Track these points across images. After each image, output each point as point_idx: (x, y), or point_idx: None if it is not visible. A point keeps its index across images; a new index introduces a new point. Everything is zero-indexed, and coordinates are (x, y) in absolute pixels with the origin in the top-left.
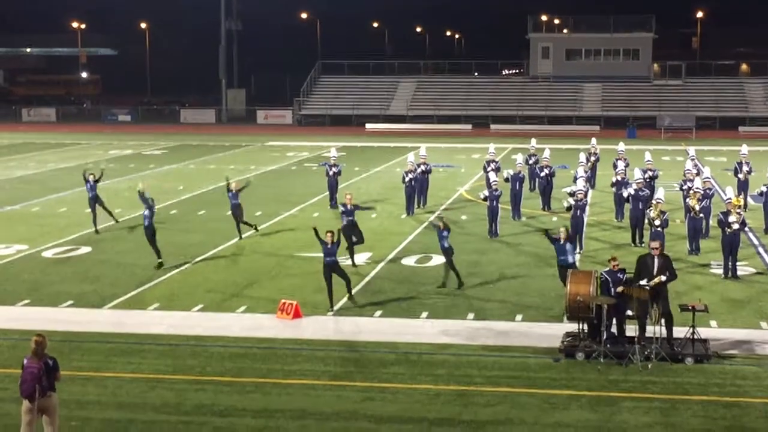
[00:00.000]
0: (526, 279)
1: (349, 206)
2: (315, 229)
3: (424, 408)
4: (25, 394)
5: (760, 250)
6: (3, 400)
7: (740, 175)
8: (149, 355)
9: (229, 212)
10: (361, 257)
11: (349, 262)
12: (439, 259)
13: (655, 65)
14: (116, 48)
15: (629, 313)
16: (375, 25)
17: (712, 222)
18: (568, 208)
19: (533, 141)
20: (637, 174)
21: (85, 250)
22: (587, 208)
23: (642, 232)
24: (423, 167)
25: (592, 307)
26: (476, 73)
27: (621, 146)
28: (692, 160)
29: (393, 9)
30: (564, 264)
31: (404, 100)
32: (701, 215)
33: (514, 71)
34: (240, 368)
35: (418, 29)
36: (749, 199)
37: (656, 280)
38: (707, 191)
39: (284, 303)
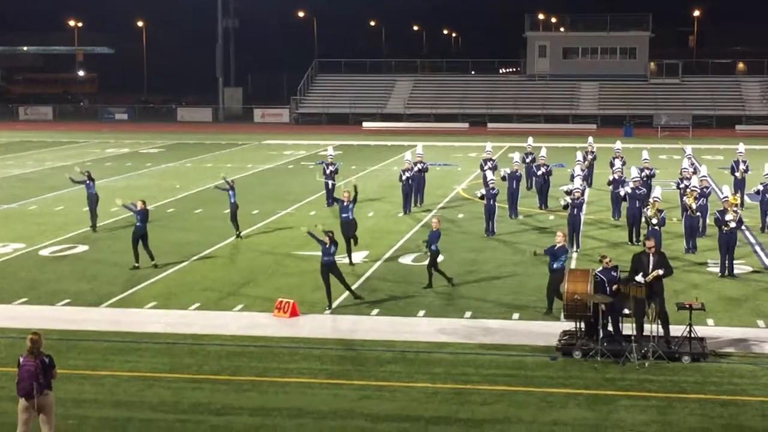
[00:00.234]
0: (523, 277)
1: (346, 203)
2: (310, 232)
3: (421, 406)
4: (22, 393)
5: (757, 248)
6: (0, 399)
7: (737, 174)
8: (146, 354)
9: (227, 210)
10: (358, 256)
11: (347, 260)
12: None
13: (652, 64)
14: (113, 46)
15: (626, 311)
16: (372, 23)
17: (709, 220)
18: (565, 207)
19: (530, 139)
20: (634, 172)
21: (82, 248)
22: (584, 207)
23: (639, 230)
24: (420, 165)
25: (590, 306)
26: (473, 72)
27: (618, 145)
28: (689, 158)
29: (390, 7)
30: (551, 268)
31: (401, 99)
32: (698, 214)
33: (511, 70)
34: (237, 367)
35: (415, 28)
36: (746, 197)
37: (653, 273)
38: (704, 190)
39: (281, 301)
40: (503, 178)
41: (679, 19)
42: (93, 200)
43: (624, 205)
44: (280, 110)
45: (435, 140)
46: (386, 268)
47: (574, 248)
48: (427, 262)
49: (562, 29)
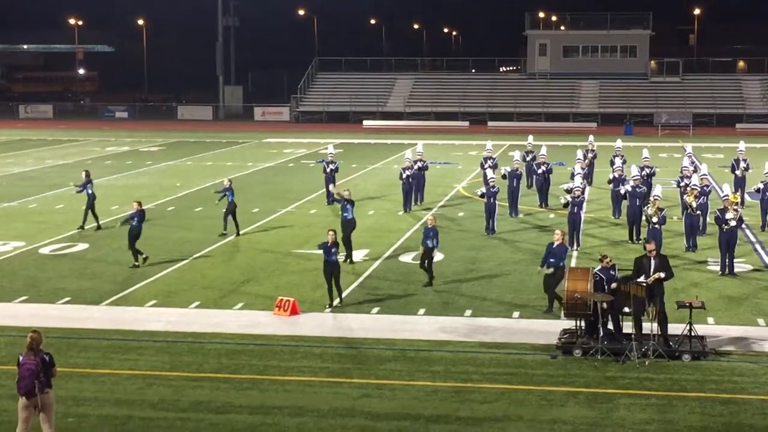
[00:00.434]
0: (523, 276)
1: (345, 202)
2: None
3: (422, 405)
4: (23, 392)
5: (757, 247)
6: (0, 397)
7: (737, 172)
8: (146, 352)
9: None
10: (359, 254)
11: (347, 260)
12: (437, 256)
13: (653, 62)
14: (113, 45)
15: (626, 310)
16: (372, 21)
17: (709, 219)
18: (566, 205)
19: (530, 138)
20: (634, 171)
21: (82, 246)
22: (584, 205)
23: (639, 228)
24: (419, 164)
25: (590, 304)
26: (473, 70)
27: (618, 143)
28: (689, 157)
29: (390, 6)
30: (551, 266)
31: (401, 97)
32: (698, 212)
33: (511, 68)
34: (237, 365)
35: (416, 26)
36: (746, 196)
37: (654, 276)
38: (704, 188)
39: (281, 300)
40: (504, 177)
41: (680, 18)
42: (90, 199)
43: (624, 203)
44: (281, 108)
45: (435, 138)
46: (386, 266)
47: (575, 246)
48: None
49: (562, 27)
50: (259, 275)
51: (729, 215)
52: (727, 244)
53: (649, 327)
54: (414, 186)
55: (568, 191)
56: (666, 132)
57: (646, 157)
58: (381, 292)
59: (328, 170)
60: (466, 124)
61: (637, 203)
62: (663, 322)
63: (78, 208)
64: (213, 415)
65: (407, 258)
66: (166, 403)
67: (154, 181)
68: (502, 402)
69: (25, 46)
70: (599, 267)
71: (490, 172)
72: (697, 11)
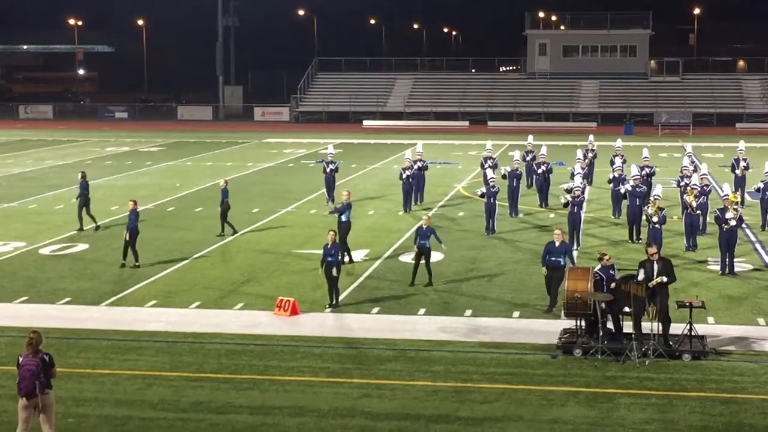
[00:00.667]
0: (523, 276)
1: (345, 202)
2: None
3: (422, 405)
4: (24, 392)
5: (758, 246)
6: (0, 398)
7: (737, 172)
8: (146, 352)
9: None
10: (359, 254)
11: (351, 259)
12: (437, 257)
13: (652, 62)
14: (113, 45)
15: (626, 309)
16: (372, 21)
17: (709, 218)
18: (566, 205)
19: (530, 138)
20: (634, 170)
21: (82, 247)
22: (584, 205)
23: (639, 228)
24: (419, 164)
25: (590, 304)
26: (473, 70)
27: (618, 143)
28: (689, 156)
29: (390, 5)
30: (555, 265)
31: (401, 97)
32: (698, 212)
33: (511, 68)
34: (237, 365)
35: (415, 26)
36: (746, 195)
37: (657, 280)
38: (704, 188)
39: (282, 300)
40: (504, 177)
41: (680, 17)
42: (83, 200)
43: (624, 203)
44: (280, 108)
45: (435, 138)
46: (386, 266)
47: (575, 246)
48: (422, 260)
49: (562, 27)
50: (259, 275)
51: (729, 215)
52: (727, 243)
53: (650, 326)
54: (414, 186)
55: (568, 191)
56: (666, 131)
57: (646, 157)
58: (381, 292)
59: (327, 170)
60: (466, 124)
61: (637, 203)
62: (665, 322)
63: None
64: (213, 415)
65: (407, 258)
66: (166, 403)
67: (153, 181)
68: (502, 402)
69: (25, 47)
70: (599, 266)
71: (490, 172)
72: (696, 11)
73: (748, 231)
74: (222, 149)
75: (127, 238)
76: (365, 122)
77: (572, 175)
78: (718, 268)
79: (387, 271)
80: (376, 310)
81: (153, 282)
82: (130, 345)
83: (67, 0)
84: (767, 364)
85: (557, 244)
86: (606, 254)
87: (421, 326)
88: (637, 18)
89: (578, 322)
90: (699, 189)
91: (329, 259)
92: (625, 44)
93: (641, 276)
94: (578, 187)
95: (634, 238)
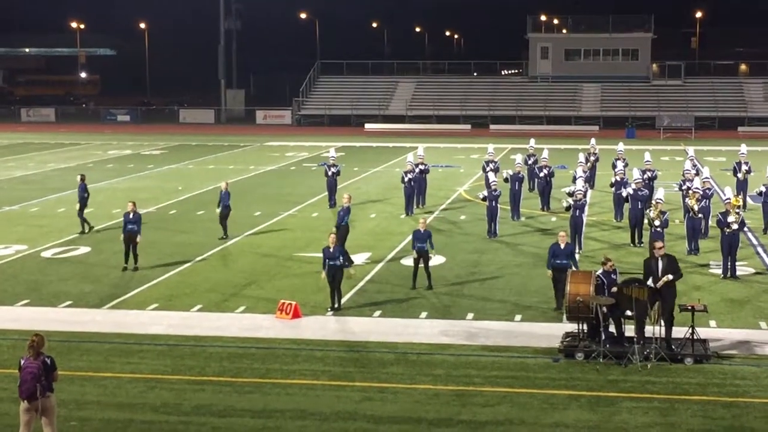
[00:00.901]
0: (525, 279)
1: (345, 206)
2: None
3: (423, 408)
4: (25, 395)
5: (759, 250)
6: (2, 400)
7: (739, 175)
8: (148, 356)
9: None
10: (361, 257)
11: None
12: (438, 260)
13: (654, 65)
14: (115, 48)
15: (628, 313)
16: (374, 25)
17: (711, 222)
18: (567, 208)
19: (532, 141)
20: (636, 174)
21: (84, 250)
22: (586, 208)
23: (641, 232)
24: (421, 167)
25: (592, 308)
26: (475, 73)
27: (620, 146)
28: (691, 160)
29: (392, 9)
30: (560, 267)
31: (403, 100)
32: (700, 215)
33: (513, 71)
34: (239, 368)
35: (417, 29)
36: (748, 199)
37: (664, 279)
38: (706, 191)
39: (283, 303)
40: (505, 180)
41: (682, 21)
42: (82, 203)
43: (626, 206)
44: (282, 112)
45: (437, 142)
46: (388, 269)
47: (577, 250)
48: (421, 264)
49: (564, 30)
50: (260, 278)
51: (731, 218)
52: (729, 247)
53: (651, 330)
54: (416, 189)
55: (570, 194)
56: (668, 135)
57: (647, 161)
58: (383, 295)
59: (329, 174)
60: (468, 127)
61: (639, 206)
62: (669, 325)
63: None
64: (215, 418)
65: (409, 261)
66: (168, 406)
67: (155, 184)
68: (504, 405)
69: (27, 50)
70: (601, 270)
71: (491, 176)
72: (698, 14)
73: (750, 234)
74: (224, 152)
75: (122, 239)
76: (367, 125)
77: (574, 179)
78: (720, 271)
79: (389, 275)
80: (377, 313)
81: (155, 285)
82: (132, 348)
83: (70, 3)
84: None
85: (562, 246)
86: (610, 260)
87: (422, 329)
88: (639, 21)
89: (580, 325)
90: (701, 192)
91: (331, 262)
92: (627, 48)
93: (650, 282)
94: (580, 190)
95: (636, 241)
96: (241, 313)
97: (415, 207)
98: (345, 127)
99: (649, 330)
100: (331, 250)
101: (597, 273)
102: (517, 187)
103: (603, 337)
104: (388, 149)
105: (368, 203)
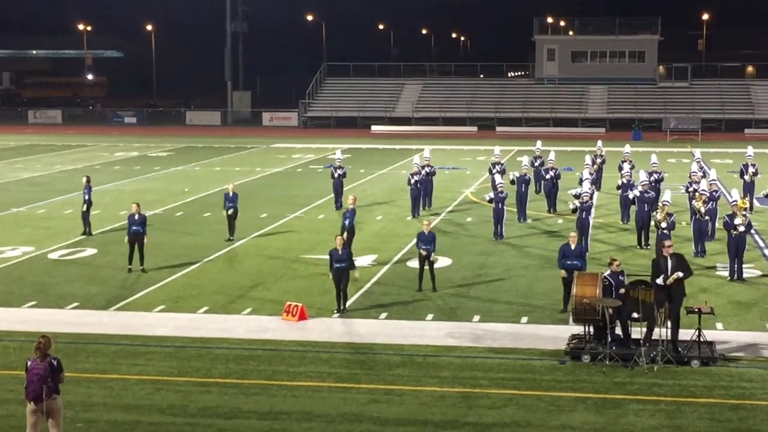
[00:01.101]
0: (531, 281)
1: (351, 208)
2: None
3: (429, 410)
4: (31, 396)
5: (766, 252)
6: (9, 402)
7: (746, 177)
8: (155, 357)
9: (231, 212)
10: (367, 259)
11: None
12: (445, 262)
13: (661, 67)
14: (122, 50)
15: (635, 315)
16: (381, 27)
17: (718, 224)
18: (574, 210)
19: (538, 143)
20: (643, 176)
21: (90, 252)
22: (593, 210)
23: (648, 234)
24: (427, 169)
25: (599, 310)
26: (482, 76)
27: (627, 148)
28: (698, 162)
29: (399, 11)
30: (572, 268)
31: (410, 102)
32: (707, 217)
33: (519, 73)
34: (245, 370)
35: (424, 31)
36: (755, 201)
37: (674, 276)
38: (713, 193)
39: (290, 305)
40: (512, 182)
41: (688, 23)
42: (87, 205)
43: (633, 208)
44: (289, 114)
45: (443, 144)
46: (394, 271)
47: None
48: (426, 266)
49: (570, 33)
50: (267, 280)
51: (738, 220)
52: (736, 249)
53: (658, 332)
54: (422, 191)
55: (577, 196)
56: (675, 137)
57: (654, 163)
58: (389, 297)
59: (336, 175)
60: (475, 129)
61: (646, 208)
62: (675, 326)
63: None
64: (221, 420)
65: (415, 263)
66: (174, 408)
67: (162, 186)
68: (510, 408)
69: (34, 52)
70: (608, 271)
71: (498, 178)
72: (705, 16)
73: (756, 237)
74: (230, 154)
75: (126, 240)
76: (373, 127)
77: (580, 181)
78: (726, 274)
79: (395, 277)
80: (383, 315)
81: (161, 287)
82: (139, 350)
83: (76, 5)
84: None
85: (573, 247)
86: (616, 260)
87: (428, 332)
88: (646, 23)
89: (587, 327)
90: (707, 195)
91: (338, 264)
92: (633, 50)
93: (660, 280)
94: (586, 192)
95: (643, 243)
96: (248, 315)
97: (421, 209)
98: (351, 129)
99: (656, 332)
100: (340, 252)
101: (604, 274)
102: (523, 189)
103: (609, 339)
104: (394, 151)
105: (374, 205)
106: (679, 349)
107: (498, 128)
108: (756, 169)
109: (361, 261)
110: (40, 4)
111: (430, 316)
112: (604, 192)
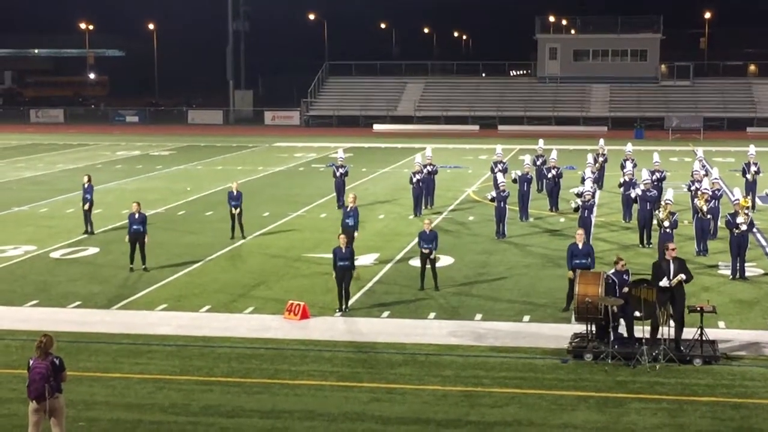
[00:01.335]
0: (533, 280)
1: (349, 208)
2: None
3: (432, 409)
4: (33, 395)
5: None
6: (11, 401)
7: (748, 176)
8: (157, 356)
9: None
10: (369, 258)
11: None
12: (447, 260)
13: (663, 66)
14: (124, 49)
15: (637, 314)
16: (383, 26)
17: (720, 223)
18: (576, 209)
19: (541, 142)
20: (645, 175)
21: (92, 250)
22: (595, 209)
23: (650, 233)
24: (429, 168)
25: (601, 309)
26: (484, 74)
27: (629, 147)
28: (700, 160)
29: (400, 10)
30: (581, 267)
31: (412, 101)
32: (709, 216)
33: (521, 72)
34: (247, 369)
35: (426, 30)
36: (757, 199)
37: (678, 278)
38: (715, 192)
39: (292, 304)
40: (514, 181)
41: (690, 21)
42: (88, 204)
43: (635, 207)
44: (291, 113)
45: (445, 142)
46: (396, 270)
47: None
48: (428, 264)
49: (572, 31)
50: (269, 279)
51: (740, 219)
52: (738, 248)
53: (660, 331)
54: (424, 190)
55: (579, 195)
56: (677, 136)
57: (656, 161)
58: (391, 296)
59: (338, 174)
60: (477, 128)
61: (648, 207)
62: (679, 327)
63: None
64: (223, 419)
65: (417, 262)
66: (176, 407)
67: (164, 185)
68: (512, 406)
69: (36, 51)
70: (613, 270)
71: (500, 176)
72: (707, 15)
73: (759, 235)
74: (232, 153)
75: (126, 240)
76: (375, 126)
77: (583, 180)
78: (729, 272)
79: (397, 276)
80: (386, 314)
81: (163, 285)
82: (141, 348)
83: (78, 4)
84: None
85: (580, 246)
86: (622, 259)
87: (431, 330)
88: (648, 22)
89: (589, 326)
90: (710, 193)
91: (341, 263)
92: (635, 48)
93: (664, 282)
94: (588, 191)
95: (645, 242)
96: (250, 313)
97: (423, 208)
98: (353, 128)
99: (659, 331)
100: (343, 250)
101: (608, 273)
102: (525, 188)
103: (611, 338)
104: (396, 150)
105: (376, 204)
106: (682, 348)
107: (500, 127)
108: (758, 168)
109: (363, 260)
110: (42, 4)
111: (432, 315)
112: (606, 190)
